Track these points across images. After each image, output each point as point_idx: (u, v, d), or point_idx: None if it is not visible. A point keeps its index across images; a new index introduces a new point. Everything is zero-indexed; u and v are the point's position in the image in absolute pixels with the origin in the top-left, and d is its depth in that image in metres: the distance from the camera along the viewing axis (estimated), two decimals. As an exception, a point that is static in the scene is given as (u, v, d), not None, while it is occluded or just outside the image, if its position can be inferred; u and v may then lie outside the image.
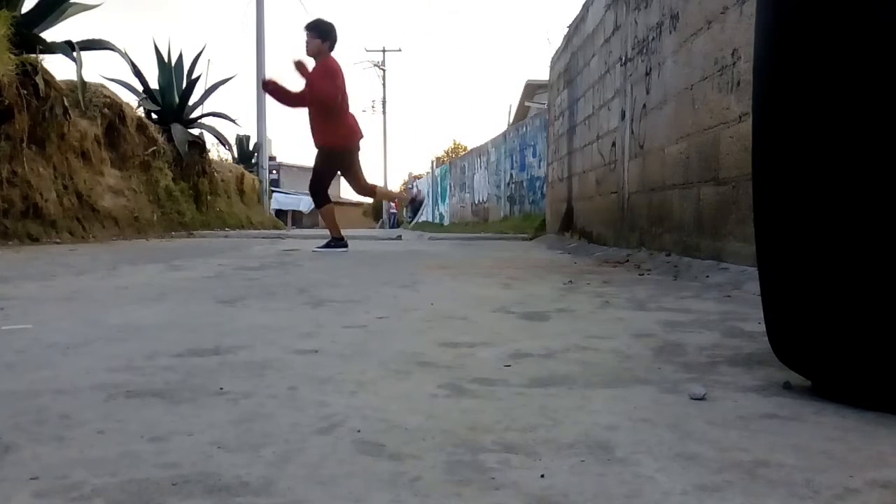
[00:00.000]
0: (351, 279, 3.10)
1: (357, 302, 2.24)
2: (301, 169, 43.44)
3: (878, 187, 0.91)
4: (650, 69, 4.23)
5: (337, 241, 5.63)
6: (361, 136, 5.87)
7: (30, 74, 5.74)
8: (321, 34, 5.51)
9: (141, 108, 9.22)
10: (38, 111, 5.83)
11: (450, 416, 0.96)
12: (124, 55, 7.97)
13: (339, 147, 5.68)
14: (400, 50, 71.33)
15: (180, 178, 9.49)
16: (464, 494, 0.69)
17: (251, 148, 16.90)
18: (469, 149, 25.91)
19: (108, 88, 8.00)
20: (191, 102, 10.69)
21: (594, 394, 1.09)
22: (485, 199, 19.20)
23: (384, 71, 40.89)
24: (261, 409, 0.99)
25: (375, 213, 37.50)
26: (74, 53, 6.32)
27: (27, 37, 5.94)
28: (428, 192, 30.17)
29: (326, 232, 5.89)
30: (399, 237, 6.19)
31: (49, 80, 6.08)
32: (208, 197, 10.57)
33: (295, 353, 1.39)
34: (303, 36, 5.54)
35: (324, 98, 5.46)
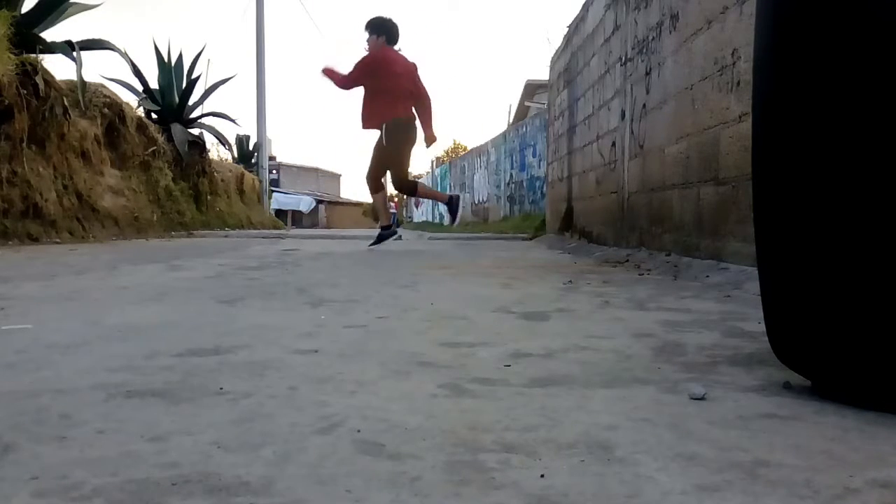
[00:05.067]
0: (351, 279, 3.10)
1: (357, 302, 2.24)
2: (301, 169, 43.47)
3: (877, 187, 0.91)
4: (650, 69, 4.23)
5: (386, 229, 5.92)
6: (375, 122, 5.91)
7: (30, 74, 5.73)
8: (375, 30, 6.01)
9: (141, 108, 9.22)
10: (38, 111, 5.83)
11: (450, 416, 0.96)
12: (124, 55, 7.97)
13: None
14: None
15: (180, 178, 9.49)
16: (464, 494, 0.69)
17: (251, 148, 16.89)
18: (469, 149, 25.90)
19: (108, 88, 8.00)
20: (191, 102, 10.70)
21: (594, 394, 1.09)
22: (485, 199, 19.21)
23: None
24: (261, 409, 0.99)
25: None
26: (74, 53, 6.32)
27: (27, 37, 5.94)
28: (428, 192, 30.06)
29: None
30: (399, 237, 6.18)
31: (49, 79, 6.08)
32: (208, 197, 10.57)
33: (295, 353, 1.39)
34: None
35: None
